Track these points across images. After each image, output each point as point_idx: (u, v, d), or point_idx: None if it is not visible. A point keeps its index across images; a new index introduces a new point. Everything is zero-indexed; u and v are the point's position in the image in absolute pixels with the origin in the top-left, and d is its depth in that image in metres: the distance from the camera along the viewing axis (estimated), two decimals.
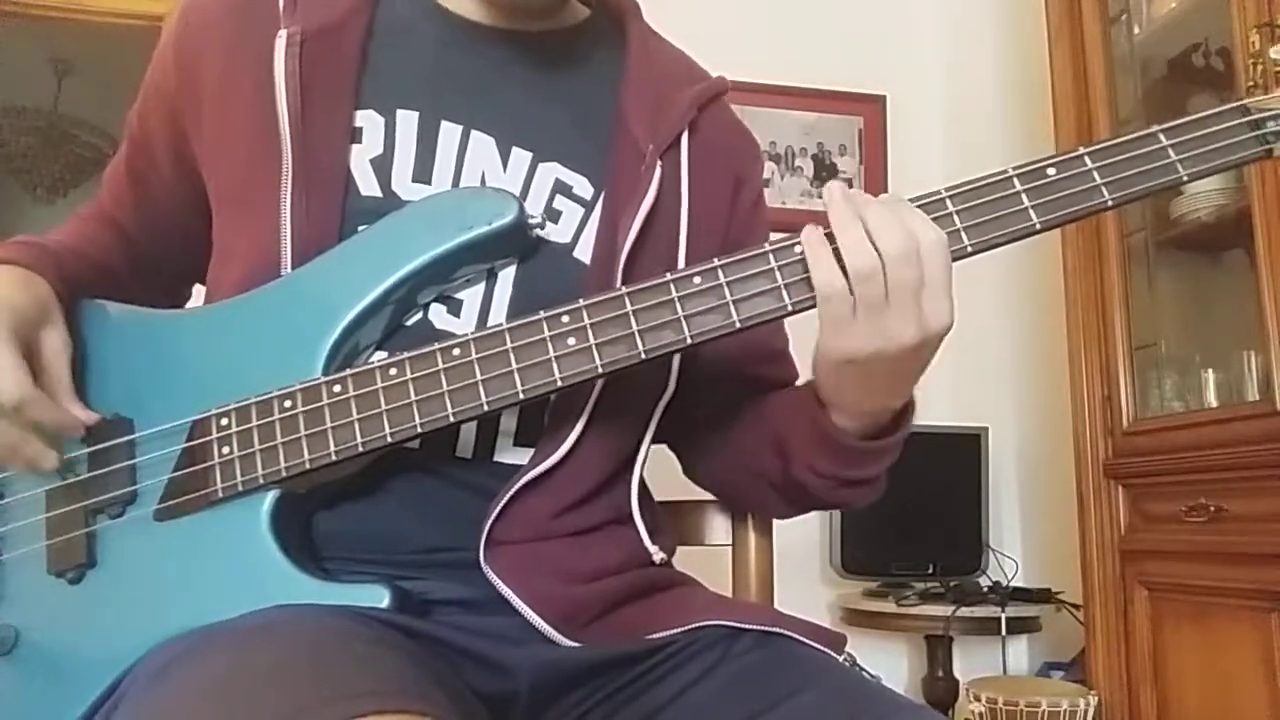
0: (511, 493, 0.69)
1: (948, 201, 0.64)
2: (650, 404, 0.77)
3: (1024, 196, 0.64)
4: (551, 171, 0.75)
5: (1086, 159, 0.65)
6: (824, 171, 2.78)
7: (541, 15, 0.79)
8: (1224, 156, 0.65)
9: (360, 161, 0.72)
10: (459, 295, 0.71)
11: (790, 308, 0.64)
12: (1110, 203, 0.64)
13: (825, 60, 2.77)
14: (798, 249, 0.64)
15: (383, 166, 0.72)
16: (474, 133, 0.74)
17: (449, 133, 0.74)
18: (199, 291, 0.85)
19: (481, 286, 0.71)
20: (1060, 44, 2.16)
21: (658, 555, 0.77)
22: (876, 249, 0.60)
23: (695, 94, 0.80)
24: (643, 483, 0.79)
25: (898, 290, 0.60)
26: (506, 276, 0.72)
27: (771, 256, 0.64)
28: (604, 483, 0.74)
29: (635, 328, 0.64)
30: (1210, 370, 1.86)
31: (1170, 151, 0.65)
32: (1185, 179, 0.65)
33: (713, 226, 0.79)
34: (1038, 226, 0.64)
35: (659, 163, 0.75)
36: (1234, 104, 0.65)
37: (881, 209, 0.61)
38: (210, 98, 0.74)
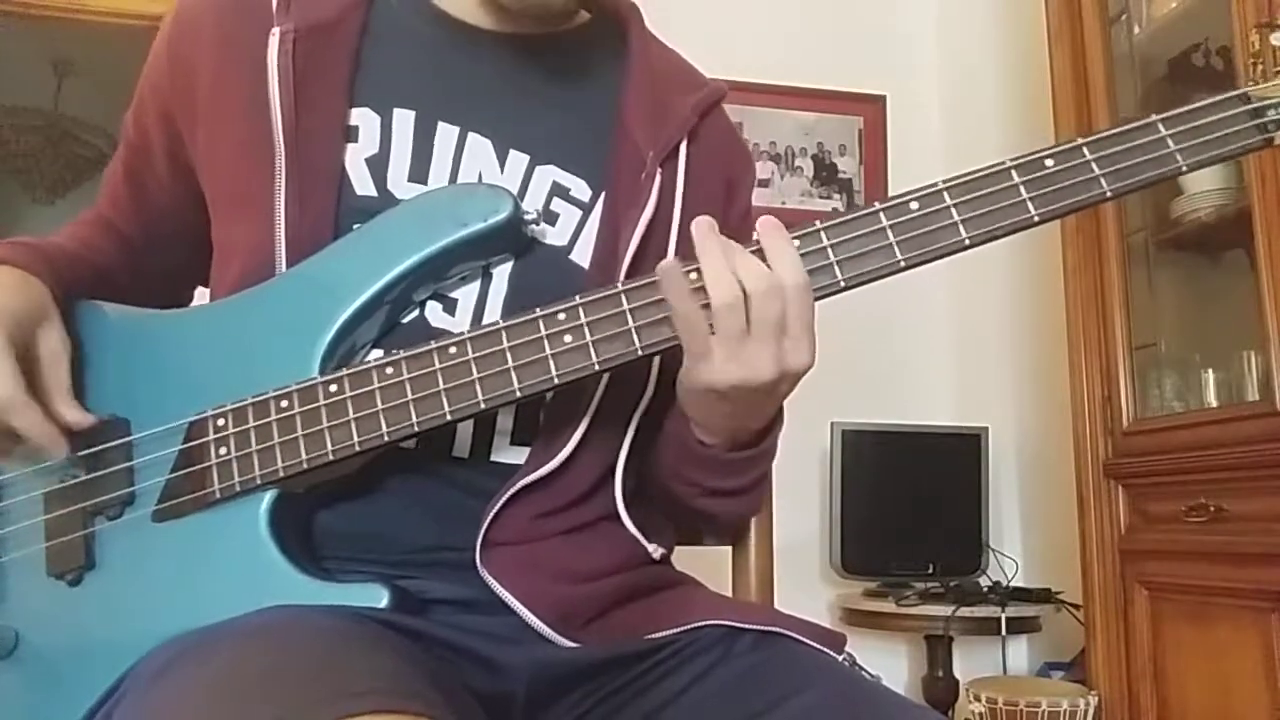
0: (508, 495, 0.69)
1: (945, 194, 0.64)
2: (632, 406, 0.76)
3: (1022, 189, 0.64)
4: (549, 174, 0.75)
5: (1085, 150, 0.64)
6: (824, 171, 2.78)
7: (556, 20, 0.79)
8: (1224, 146, 0.64)
9: (355, 161, 0.71)
10: (454, 294, 0.71)
11: None
12: (1109, 194, 0.64)
13: (825, 60, 2.78)
14: (795, 243, 0.64)
15: (378, 166, 0.72)
16: (471, 134, 0.74)
17: (446, 133, 0.73)
18: (201, 294, 0.85)
19: (477, 285, 0.71)
20: (1060, 44, 2.16)
21: (656, 552, 0.77)
22: (740, 282, 0.61)
23: (697, 101, 0.80)
24: (638, 482, 0.79)
25: (759, 325, 0.61)
26: (502, 276, 0.72)
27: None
28: (595, 485, 0.74)
29: (632, 324, 0.64)
30: (1210, 370, 1.86)
31: (1169, 141, 0.64)
32: (1185, 169, 0.64)
33: None
34: (1035, 219, 0.64)
35: (659, 170, 0.75)
36: (1234, 93, 0.65)
37: (744, 250, 0.62)
38: (204, 97, 0.74)
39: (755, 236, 0.63)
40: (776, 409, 0.71)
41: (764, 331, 0.61)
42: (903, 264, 0.64)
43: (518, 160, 0.75)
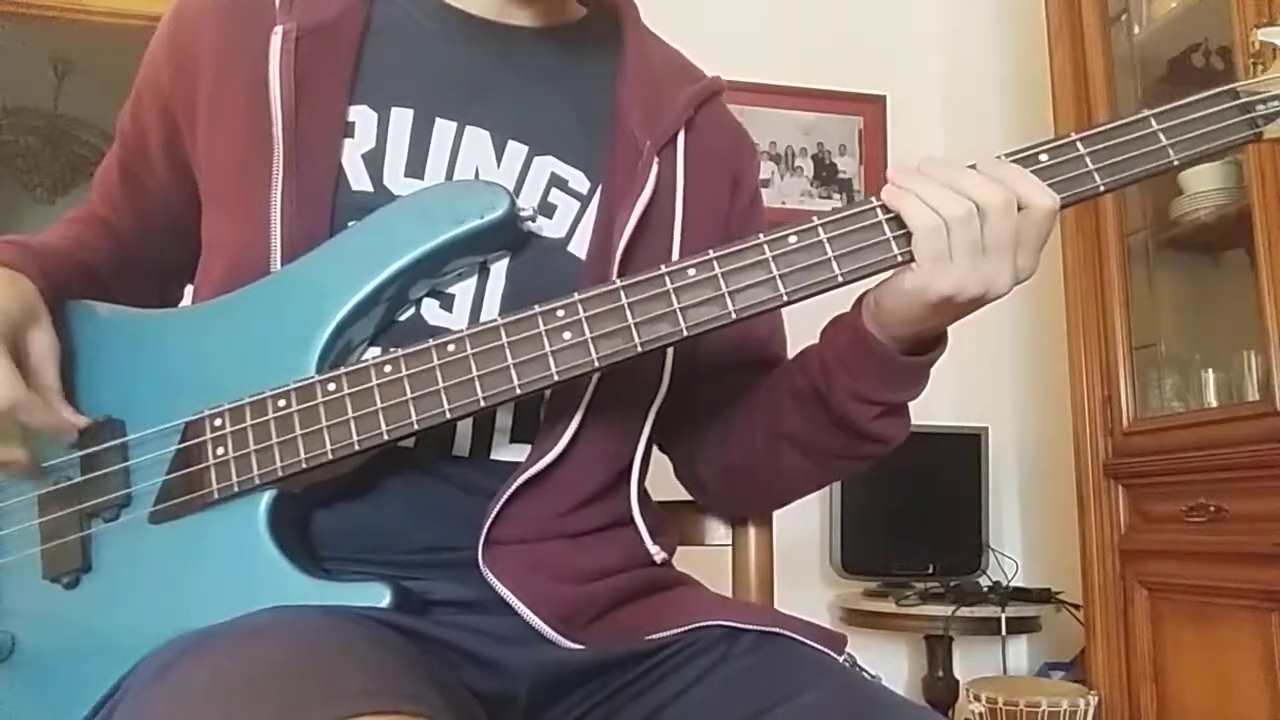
0: (509, 493, 0.69)
1: None
2: (645, 404, 0.76)
3: None
4: (547, 165, 0.75)
5: (1078, 144, 0.65)
6: (824, 171, 2.78)
7: (556, 8, 0.79)
8: (1215, 140, 0.66)
9: (352, 156, 0.71)
10: (451, 290, 0.71)
11: (786, 298, 0.64)
12: (1102, 187, 0.65)
13: (825, 60, 2.78)
14: (792, 239, 0.64)
15: (374, 161, 0.72)
16: (468, 128, 0.74)
17: (443, 129, 0.73)
18: (190, 292, 0.84)
19: (474, 281, 0.71)
20: (1060, 44, 2.16)
21: (659, 555, 0.77)
22: (972, 199, 0.62)
23: (693, 93, 0.81)
24: (643, 487, 0.79)
25: (995, 240, 0.62)
26: (499, 271, 0.71)
27: (766, 247, 0.64)
28: (604, 487, 0.74)
29: (631, 320, 0.64)
30: (1210, 370, 1.86)
31: (1161, 136, 0.65)
32: (1176, 163, 0.65)
33: (709, 224, 0.79)
34: None
35: (655, 159, 0.75)
36: (1223, 88, 0.66)
37: (975, 174, 0.63)
38: (204, 93, 0.74)
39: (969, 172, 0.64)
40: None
41: (1002, 245, 0.62)
42: (898, 258, 0.64)
43: (516, 151, 0.75)
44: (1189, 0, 1.91)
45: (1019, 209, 0.62)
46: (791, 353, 0.84)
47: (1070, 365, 2.06)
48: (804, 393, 0.74)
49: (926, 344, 0.70)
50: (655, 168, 0.75)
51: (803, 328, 0.82)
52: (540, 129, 0.75)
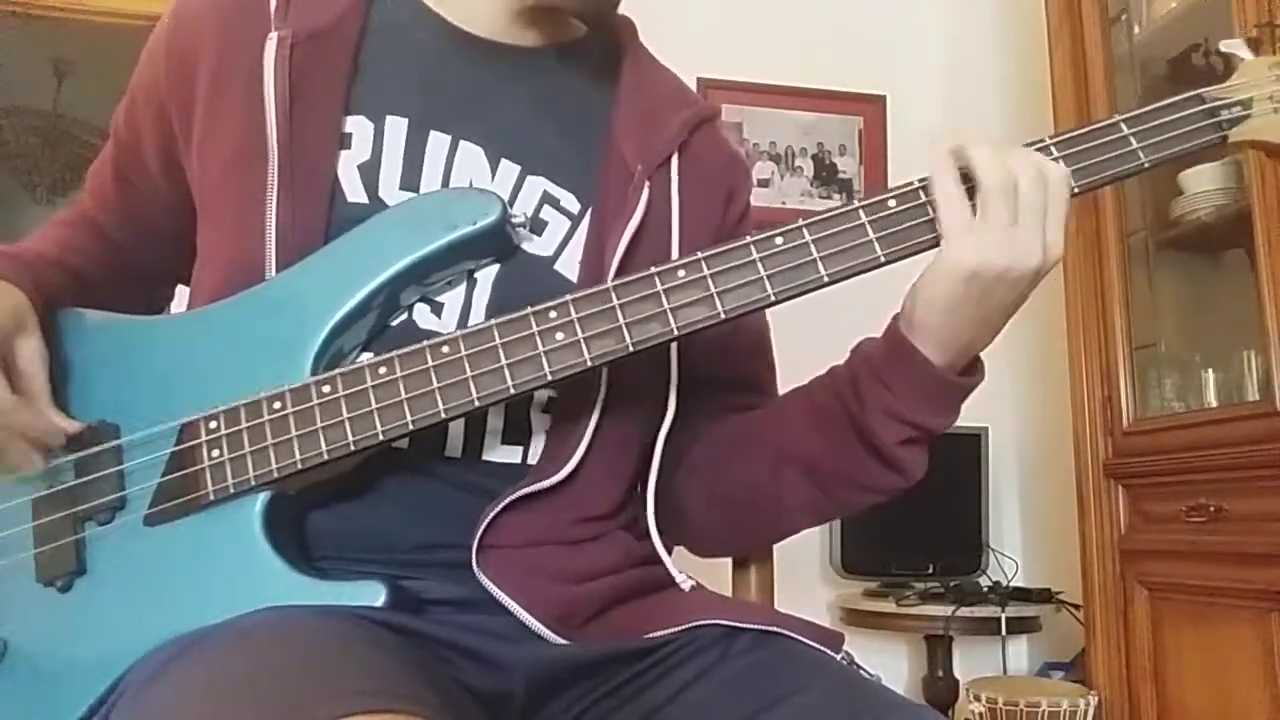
0: (503, 505, 0.68)
1: (920, 192, 0.67)
2: (653, 430, 0.76)
3: None
4: (539, 185, 0.75)
5: (1053, 149, 0.67)
6: (824, 171, 2.78)
7: (556, 25, 0.79)
8: (1183, 143, 0.68)
9: (348, 167, 0.71)
10: (440, 298, 0.71)
11: (773, 297, 0.65)
12: (1077, 189, 0.67)
13: (825, 60, 2.77)
14: (779, 240, 0.65)
15: (370, 172, 0.71)
16: (462, 143, 0.74)
17: (437, 142, 0.73)
18: (180, 295, 0.84)
19: (462, 289, 0.71)
20: (1060, 44, 2.16)
21: (687, 584, 0.76)
22: (1011, 169, 0.63)
23: (687, 117, 0.80)
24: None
25: (1027, 211, 0.63)
26: (486, 280, 0.71)
27: (754, 248, 0.65)
28: (614, 509, 0.74)
29: (622, 321, 0.64)
30: (1210, 370, 1.87)
31: (1132, 140, 0.68)
32: (1147, 165, 0.68)
33: (704, 243, 0.78)
34: None
35: (647, 182, 0.75)
36: (1190, 93, 0.69)
37: (998, 148, 0.64)
38: (201, 97, 0.74)
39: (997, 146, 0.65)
40: (999, 329, 0.71)
41: (1031, 218, 0.63)
42: (882, 259, 0.66)
43: (509, 170, 0.75)
44: (1189, 0, 1.91)
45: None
46: (784, 382, 0.84)
47: (1070, 365, 2.06)
48: (828, 411, 0.74)
49: (963, 370, 0.71)
50: (646, 192, 0.75)
51: (792, 333, 0.82)
52: (533, 150, 0.75)
